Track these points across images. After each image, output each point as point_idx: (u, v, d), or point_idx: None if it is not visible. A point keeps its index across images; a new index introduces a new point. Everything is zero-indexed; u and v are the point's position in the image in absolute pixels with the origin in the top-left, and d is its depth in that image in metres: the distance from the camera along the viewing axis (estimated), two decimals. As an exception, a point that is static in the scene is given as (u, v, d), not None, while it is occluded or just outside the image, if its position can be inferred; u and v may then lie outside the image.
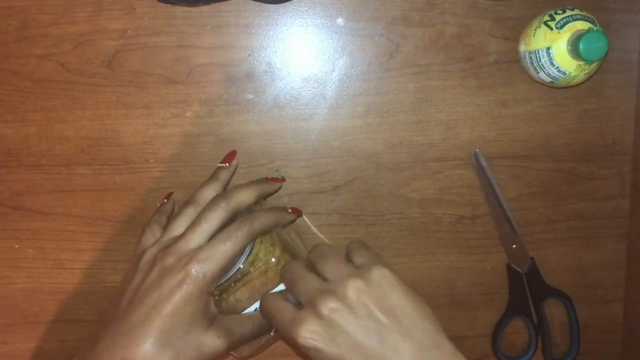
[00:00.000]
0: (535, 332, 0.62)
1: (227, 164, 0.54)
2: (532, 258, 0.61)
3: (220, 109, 0.58)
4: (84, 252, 0.60)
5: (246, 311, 0.51)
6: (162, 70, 0.57)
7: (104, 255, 0.60)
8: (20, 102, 0.57)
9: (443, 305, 0.62)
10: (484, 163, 0.59)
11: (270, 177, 0.56)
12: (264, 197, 0.54)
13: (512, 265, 0.61)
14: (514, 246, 0.60)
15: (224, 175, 0.53)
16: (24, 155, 0.58)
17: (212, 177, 0.53)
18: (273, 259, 0.50)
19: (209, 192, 0.51)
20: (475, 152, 0.59)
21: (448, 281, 0.62)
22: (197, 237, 0.47)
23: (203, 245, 0.47)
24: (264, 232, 0.50)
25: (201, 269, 0.45)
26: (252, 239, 0.48)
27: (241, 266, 0.49)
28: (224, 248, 0.46)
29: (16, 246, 0.59)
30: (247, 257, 0.49)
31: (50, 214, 0.59)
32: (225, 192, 0.50)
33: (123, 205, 0.59)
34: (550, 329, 0.61)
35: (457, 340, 0.62)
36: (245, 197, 0.50)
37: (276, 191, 0.56)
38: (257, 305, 0.51)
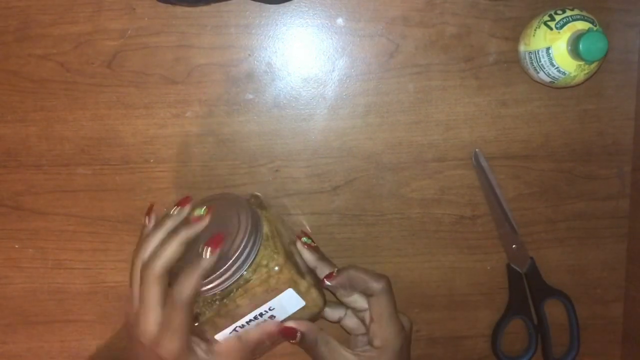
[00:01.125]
0: (535, 332, 0.62)
1: (180, 208, 0.51)
2: (532, 258, 0.61)
3: (220, 109, 0.58)
4: (84, 252, 0.60)
5: (244, 319, 0.51)
6: (162, 70, 0.57)
7: (104, 255, 0.60)
8: (20, 102, 0.57)
9: (443, 305, 0.62)
10: (484, 163, 0.59)
11: (193, 217, 0.50)
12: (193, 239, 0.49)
13: (512, 265, 0.61)
14: (514, 246, 0.60)
15: (170, 224, 0.50)
16: (24, 155, 0.58)
17: (159, 223, 0.50)
18: (276, 267, 0.50)
19: (153, 243, 0.49)
20: (475, 152, 0.59)
21: (448, 281, 0.62)
22: (152, 315, 0.47)
23: (160, 335, 0.47)
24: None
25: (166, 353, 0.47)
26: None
27: (244, 273, 0.49)
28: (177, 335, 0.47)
29: (16, 246, 0.59)
30: (250, 264, 0.49)
31: (50, 214, 0.59)
32: (148, 260, 0.48)
33: (123, 205, 0.59)
34: (550, 329, 0.61)
35: (457, 340, 0.63)
36: (171, 255, 0.47)
37: (201, 229, 0.49)
38: (256, 312, 0.51)
